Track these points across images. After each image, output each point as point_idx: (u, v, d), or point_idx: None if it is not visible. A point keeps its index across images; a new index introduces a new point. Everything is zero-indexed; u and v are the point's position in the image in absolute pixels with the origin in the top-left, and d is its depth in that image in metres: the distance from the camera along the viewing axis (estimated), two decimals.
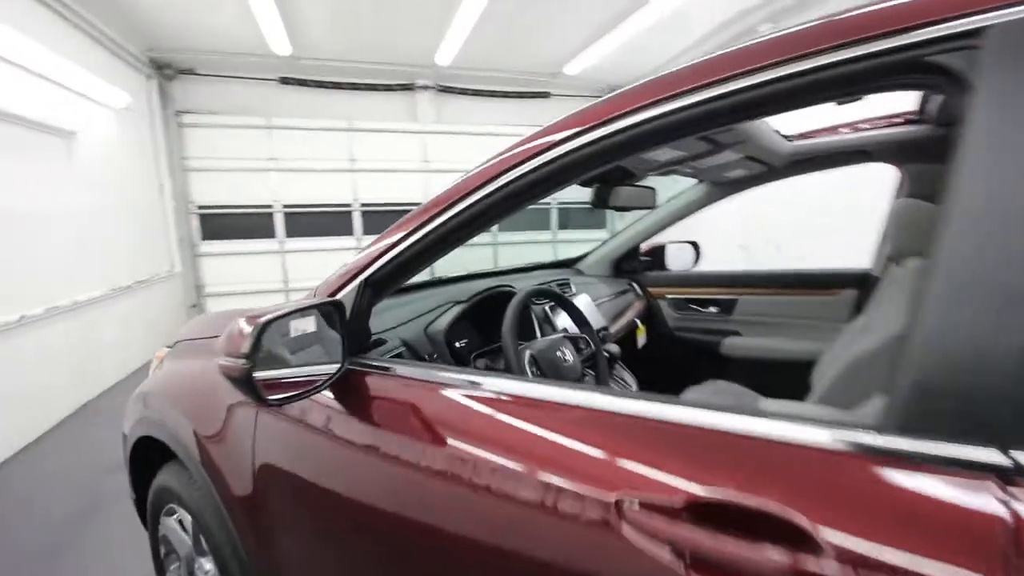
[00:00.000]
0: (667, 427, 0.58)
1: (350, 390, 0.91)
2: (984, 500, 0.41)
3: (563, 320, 1.49)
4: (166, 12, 4.46)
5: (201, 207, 5.84)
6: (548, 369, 1.16)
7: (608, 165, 0.69)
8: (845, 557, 0.44)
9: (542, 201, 6.80)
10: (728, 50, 0.60)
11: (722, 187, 1.83)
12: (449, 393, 0.79)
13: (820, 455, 0.49)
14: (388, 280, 0.95)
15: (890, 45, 0.50)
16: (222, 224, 5.92)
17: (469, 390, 0.77)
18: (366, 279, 0.96)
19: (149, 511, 1.40)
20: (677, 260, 2.27)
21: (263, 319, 0.70)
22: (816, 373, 1.71)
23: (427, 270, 1.01)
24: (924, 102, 1.39)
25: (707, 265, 2.28)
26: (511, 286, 1.46)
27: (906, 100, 1.38)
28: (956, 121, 0.46)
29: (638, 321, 2.10)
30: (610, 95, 0.69)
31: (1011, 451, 0.41)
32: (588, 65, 5.94)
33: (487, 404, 0.75)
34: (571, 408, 0.66)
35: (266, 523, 1.00)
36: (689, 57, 1.08)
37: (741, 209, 5.45)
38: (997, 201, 0.43)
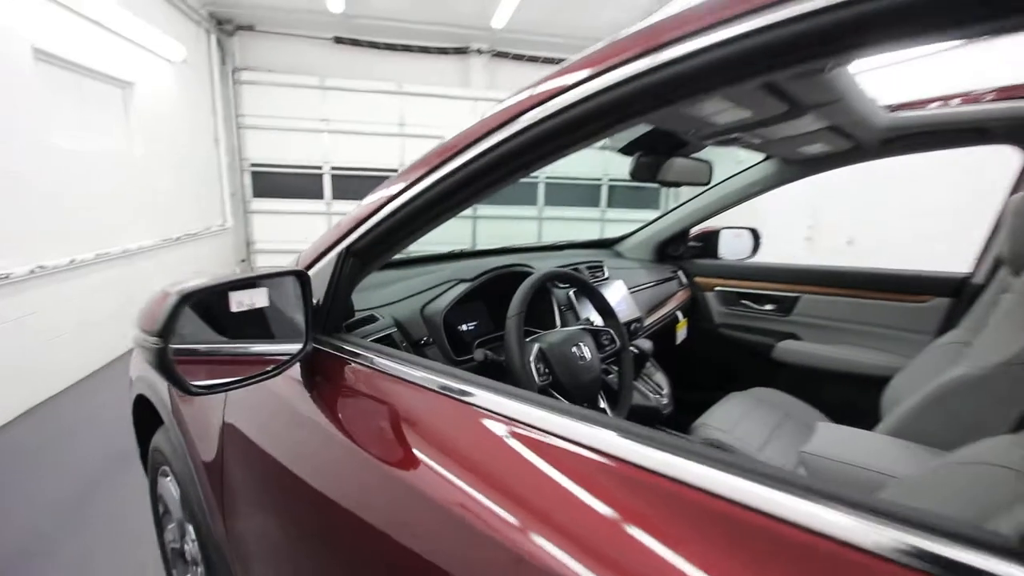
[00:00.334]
0: (684, 493, 0.41)
1: (316, 372, 0.80)
2: None
3: (589, 309, 1.30)
4: None
5: (254, 164, 5.94)
6: (559, 367, 0.99)
7: (658, 107, 0.49)
8: None
9: (592, 177, 6.54)
10: None
11: (794, 166, 1.55)
12: (417, 397, 0.65)
13: None
14: (377, 249, 0.81)
15: None
16: (272, 182, 6.02)
17: (439, 394, 0.62)
18: (348, 247, 0.82)
19: (149, 469, 1.39)
20: (731, 248, 2.01)
21: (183, 290, 0.57)
22: (888, 394, 1.46)
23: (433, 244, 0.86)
24: None
25: (762, 258, 2.00)
26: (528, 266, 1.28)
27: None
28: None
29: (679, 314, 1.88)
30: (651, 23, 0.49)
31: None
32: None
33: (458, 415, 0.60)
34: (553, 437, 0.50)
35: (230, 492, 0.94)
36: None
37: (809, 195, 4.99)
38: None
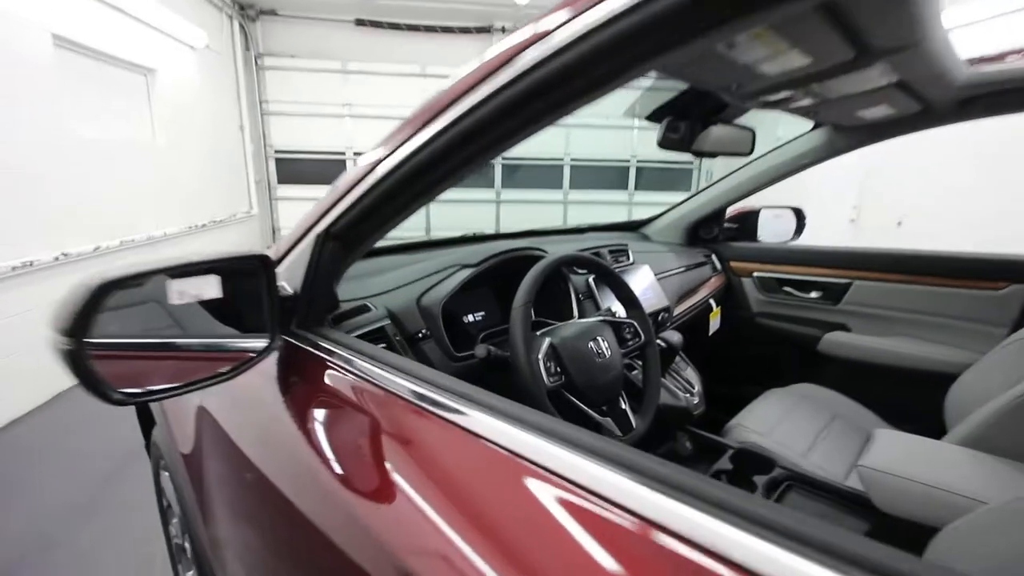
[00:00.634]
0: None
1: (292, 371, 0.71)
2: None
3: (611, 298, 1.16)
4: None
5: (278, 151, 5.95)
6: (573, 365, 0.87)
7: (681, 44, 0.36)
8: None
9: (619, 158, 6.29)
10: None
11: (849, 135, 1.36)
12: (393, 410, 0.54)
13: None
14: (361, 229, 0.71)
15: None
16: (296, 169, 6.01)
17: (417, 409, 0.51)
18: (328, 229, 0.72)
19: (151, 463, 1.36)
20: (772, 230, 1.82)
21: (104, 279, 0.47)
22: (953, 395, 1.28)
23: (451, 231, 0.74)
24: None
25: (802, 242, 1.81)
26: (541, 249, 1.15)
27: None
28: None
29: (712, 302, 1.71)
30: None
31: None
32: None
33: (437, 436, 0.49)
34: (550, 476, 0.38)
35: (207, 487, 0.87)
36: None
37: (855, 170, 4.66)
38: None
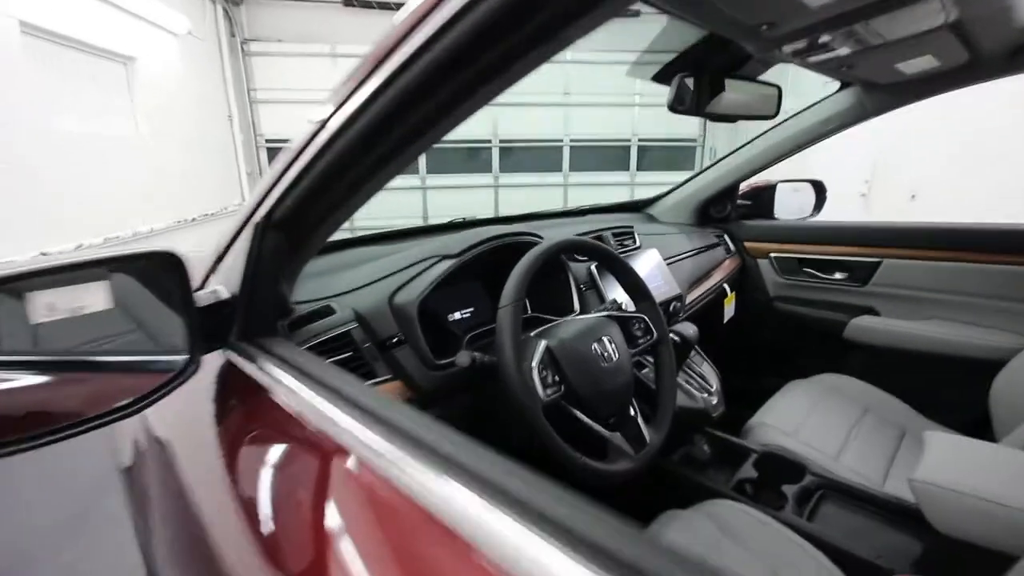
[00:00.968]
0: None
1: (231, 392, 0.59)
2: None
3: (617, 288, 1.03)
4: None
5: (269, 140, 5.78)
6: (574, 371, 0.73)
7: None
8: None
9: (620, 138, 6.08)
10: None
11: (882, 94, 1.20)
12: (336, 467, 0.41)
13: None
14: (309, 216, 0.58)
15: None
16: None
17: (363, 467, 0.38)
18: (268, 217, 0.59)
19: None
20: (790, 205, 1.67)
21: None
22: (1002, 384, 1.14)
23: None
24: None
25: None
26: (535, 234, 1.01)
27: None
28: None
29: (727, 287, 1.57)
30: None
31: None
32: None
33: (381, 502, 0.36)
34: None
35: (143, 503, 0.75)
36: None
37: (867, 142, 4.47)
38: None
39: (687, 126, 6.08)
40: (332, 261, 0.96)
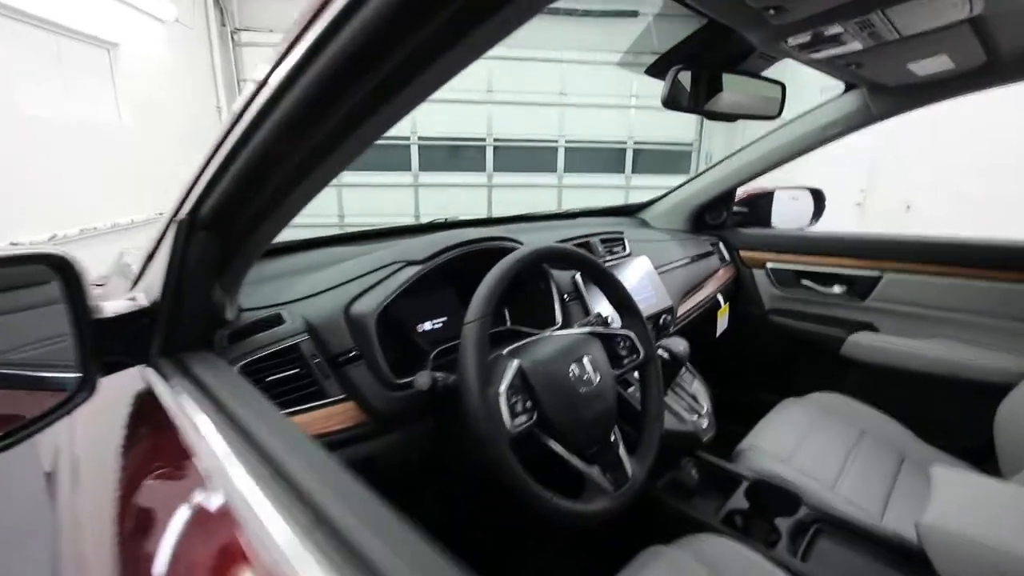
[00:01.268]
0: None
1: (140, 412, 0.51)
2: None
3: (603, 301, 0.95)
4: None
5: None
6: (548, 397, 0.65)
7: None
8: None
9: (616, 140, 6.01)
10: None
11: (889, 96, 1.13)
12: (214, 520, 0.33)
13: None
14: (243, 212, 0.50)
15: None
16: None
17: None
18: (192, 214, 0.50)
19: None
20: (788, 214, 1.60)
21: None
22: (1008, 409, 1.08)
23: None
24: None
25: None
26: (514, 240, 0.93)
27: None
28: None
29: (720, 298, 1.50)
30: None
31: None
32: None
33: None
34: None
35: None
36: None
37: (864, 150, 4.44)
38: None
39: (683, 129, 6.03)
40: (293, 263, 0.88)
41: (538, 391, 0.65)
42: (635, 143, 6.13)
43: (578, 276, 1.02)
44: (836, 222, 1.61)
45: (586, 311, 0.99)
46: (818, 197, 1.59)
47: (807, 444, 1.10)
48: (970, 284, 1.26)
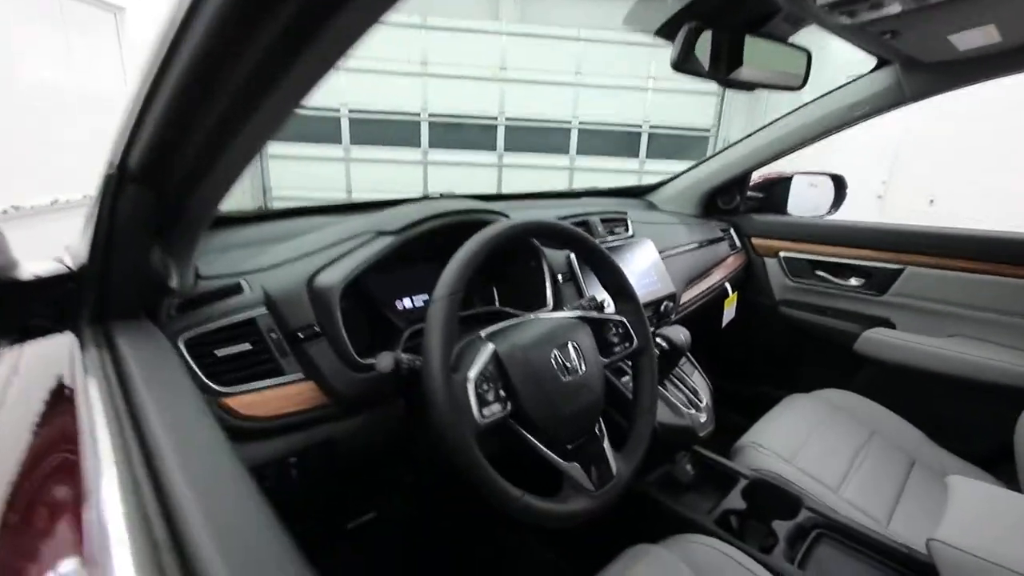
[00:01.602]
0: None
1: (53, 385, 0.45)
2: None
3: (599, 284, 0.88)
4: None
5: None
6: (525, 386, 0.60)
7: None
8: None
9: (631, 123, 5.86)
10: None
11: (925, 75, 1.03)
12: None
13: None
14: (182, 158, 0.44)
15: None
16: (289, 127, 5.66)
17: None
18: (121, 165, 0.45)
19: None
20: (805, 201, 1.51)
21: None
22: None
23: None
24: None
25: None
26: (500, 213, 0.86)
27: None
28: None
29: (728, 286, 1.43)
30: None
31: None
32: None
33: None
34: None
35: None
36: None
37: (885, 141, 4.29)
38: None
39: (701, 114, 5.86)
40: (266, 231, 0.83)
41: (514, 379, 0.59)
42: (651, 127, 5.98)
43: (572, 256, 0.95)
44: (855, 215, 1.52)
45: (580, 294, 0.93)
46: (839, 184, 1.49)
47: (812, 443, 1.04)
48: (996, 280, 1.18)
